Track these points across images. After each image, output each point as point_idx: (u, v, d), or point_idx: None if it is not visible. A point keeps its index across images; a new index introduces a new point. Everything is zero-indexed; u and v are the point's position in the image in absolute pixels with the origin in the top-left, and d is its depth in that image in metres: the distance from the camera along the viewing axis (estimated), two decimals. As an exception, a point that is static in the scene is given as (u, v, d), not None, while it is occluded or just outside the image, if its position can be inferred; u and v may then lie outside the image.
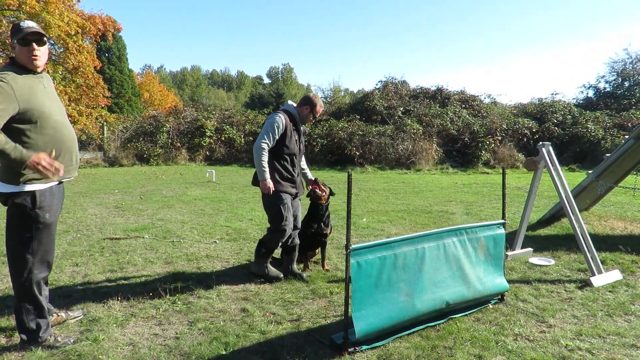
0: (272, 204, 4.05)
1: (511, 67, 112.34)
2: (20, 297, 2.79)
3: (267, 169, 3.95)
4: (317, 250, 4.80)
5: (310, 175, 4.55)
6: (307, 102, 4.22)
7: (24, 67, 2.74)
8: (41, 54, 2.77)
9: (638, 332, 3.14)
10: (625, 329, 3.19)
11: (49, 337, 2.85)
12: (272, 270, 4.20)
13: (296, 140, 4.18)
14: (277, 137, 4.01)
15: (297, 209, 4.34)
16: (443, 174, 16.51)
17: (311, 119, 4.25)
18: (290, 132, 4.09)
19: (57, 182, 2.87)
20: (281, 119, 4.03)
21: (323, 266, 4.60)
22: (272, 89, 48.91)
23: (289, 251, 4.34)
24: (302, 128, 4.29)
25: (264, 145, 3.95)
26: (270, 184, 3.95)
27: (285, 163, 4.13)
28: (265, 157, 3.95)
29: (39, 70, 2.80)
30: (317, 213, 4.49)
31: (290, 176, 4.16)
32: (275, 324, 3.25)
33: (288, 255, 4.36)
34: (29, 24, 2.75)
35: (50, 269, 2.91)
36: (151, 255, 5.03)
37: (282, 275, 4.19)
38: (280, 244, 4.15)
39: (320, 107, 4.20)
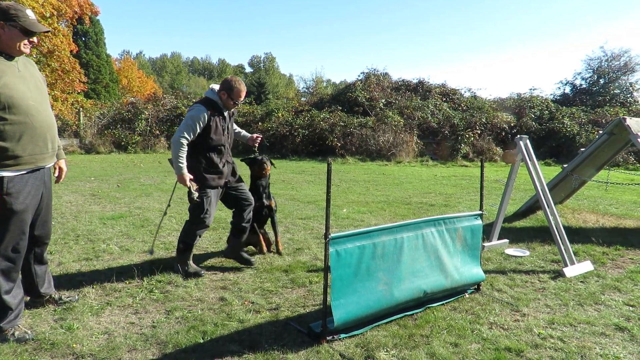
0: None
1: (492, 62, 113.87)
2: None
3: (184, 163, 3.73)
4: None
5: (245, 133, 4.42)
6: (225, 86, 3.86)
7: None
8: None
9: (607, 321, 3.24)
10: (595, 317, 3.29)
11: (9, 329, 2.76)
12: (193, 266, 3.99)
13: (223, 129, 3.91)
14: (198, 131, 3.74)
15: (241, 188, 4.23)
16: (423, 166, 16.68)
17: (231, 104, 3.91)
18: (214, 123, 3.81)
19: (31, 170, 2.78)
20: (203, 111, 3.74)
21: (277, 248, 4.39)
22: (254, 78, 48.30)
23: (238, 233, 4.21)
24: (227, 114, 3.98)
25: (183, 141, 3.69)
26: (186, 177, 3.77)
27: (212, 154, 3.90)
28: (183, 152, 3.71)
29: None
30: (257, 188, 4.43)
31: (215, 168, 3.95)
32: (254, 313, 3.25)
33: (236, 237, 4.23)
34: (33, 16, 2.72)
35: (21, 257, 2.82)
36: (128, 244, 4.95)
37: (202, 272, 3.97)
38: (198, 237, 4.01)
39: (238, 92, 3.83)
